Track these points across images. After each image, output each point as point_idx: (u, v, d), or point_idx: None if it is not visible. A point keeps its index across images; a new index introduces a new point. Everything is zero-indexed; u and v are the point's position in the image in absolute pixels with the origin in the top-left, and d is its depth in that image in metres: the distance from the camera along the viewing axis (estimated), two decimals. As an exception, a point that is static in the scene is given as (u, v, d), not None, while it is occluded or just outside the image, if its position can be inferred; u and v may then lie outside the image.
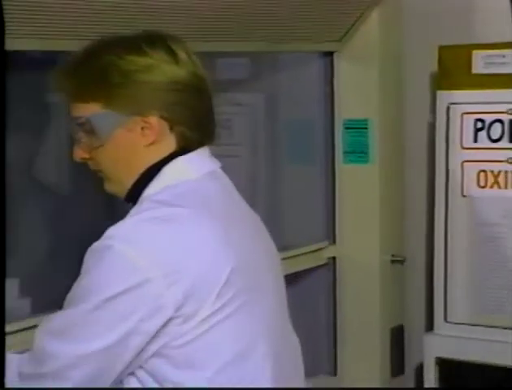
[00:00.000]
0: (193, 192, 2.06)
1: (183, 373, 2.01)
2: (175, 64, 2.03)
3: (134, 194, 2.07)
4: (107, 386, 2.08)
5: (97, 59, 2.06)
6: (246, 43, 2.81)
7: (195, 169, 2.09)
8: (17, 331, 2.38)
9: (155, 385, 2.05)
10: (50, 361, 1.98)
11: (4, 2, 1.91)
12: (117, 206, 2.66)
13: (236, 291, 1.99)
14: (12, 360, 2.10)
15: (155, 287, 1.92)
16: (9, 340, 2.25)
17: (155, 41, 2.06)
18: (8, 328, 2.26)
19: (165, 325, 1.94)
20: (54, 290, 2.50)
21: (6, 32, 1.93)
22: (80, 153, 2.08)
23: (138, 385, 2.05)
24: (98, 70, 2.05)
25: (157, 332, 1.94)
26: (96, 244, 1.95)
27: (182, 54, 2.04)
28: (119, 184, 2.10)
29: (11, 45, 1.95)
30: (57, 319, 2.00)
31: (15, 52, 2.32)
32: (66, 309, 2.00)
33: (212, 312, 1.96)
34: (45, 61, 2.35)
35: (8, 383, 2.02)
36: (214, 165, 2.15)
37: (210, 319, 1.96)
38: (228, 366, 2.02)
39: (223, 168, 2.15)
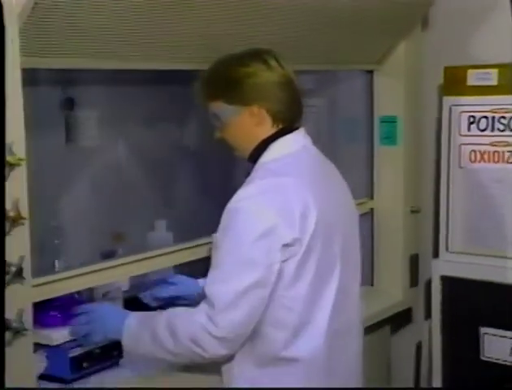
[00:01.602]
0: (291, 162, 2.10)
1: (287, 289, 2.01)
2: (268, 70, 2.09)
3: (253, 158, 2.12)
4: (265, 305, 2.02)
5: (218, 72, 2.15)
6: (316, 65, 2.83)
7: (292, 145, 2.14)
8: (164, 254, 2.39)
9: (271, 301, 2.01)
10: (218, 300, 1.95)
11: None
12: (234, 171, 2.78)
13: (321, 232, 2.03)
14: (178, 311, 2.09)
15: (279, 230, 1.96)
16: (158, 260, 2.37)
17: (254, 55, 2.11)
18: (158, 252, 2.38)
19: (289, 251, 1.98)
20: (187, 227, 2.60)
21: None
22: (216, 135, 2.17)
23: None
24: (219, 79, 2.14)
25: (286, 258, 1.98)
26: (231, 206, 2.00)
27: (273, 62, 2.10)
28: (242, 151, 2.16)
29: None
30: (215, 273, 2.01)
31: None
32: (220, 262, 2.00)
33: (306, 247, 2.00)
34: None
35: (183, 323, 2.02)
36: (306, 141, 2.19)
37: (305, 252, 2.01)
38: (310, 285, 2.03)
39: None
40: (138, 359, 2.16)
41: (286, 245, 1.98)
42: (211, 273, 2.02)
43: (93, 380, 2.28)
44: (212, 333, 1.95)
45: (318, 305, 2.07)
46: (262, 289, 1.98)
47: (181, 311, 2.08)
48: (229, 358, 2.08)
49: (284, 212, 2.00)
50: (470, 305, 3.00)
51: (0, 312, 1.64)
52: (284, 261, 1.99)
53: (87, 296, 2.54)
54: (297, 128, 2.18)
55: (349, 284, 2.17)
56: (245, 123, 2.12)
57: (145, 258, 2.33)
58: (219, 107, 2.13)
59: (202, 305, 1.99)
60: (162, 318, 2.06)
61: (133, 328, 2.10)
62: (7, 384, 1.75)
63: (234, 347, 2.02)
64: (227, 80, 2.13)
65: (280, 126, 2.14)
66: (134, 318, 2.12)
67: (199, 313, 1.98)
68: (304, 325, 2.05)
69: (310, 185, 2.07)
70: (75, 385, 2.24)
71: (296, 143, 2.16)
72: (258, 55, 2.13)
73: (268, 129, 2.13)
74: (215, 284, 1.99)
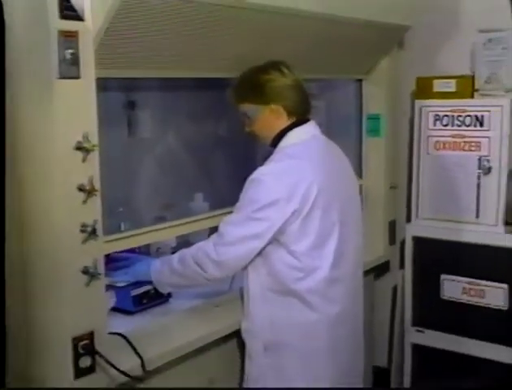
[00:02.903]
0: (303, 148, 2.12)
1: (294, 244, 2.05)
2: (282, 77, 2.10)
3: (274, 144, 2.14)
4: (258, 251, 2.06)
5: (244, 79, 2.16)
6: (318, 74, 2.80)
7: (304, 134, 2.16)
8: (201, 219, 2.41)
9: (284, 252, 2.07)
10: (225, 236, 2.04)
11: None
12: (254, 155, 2.76)
13: (321, 203, 2.05)
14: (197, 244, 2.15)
15: (282, 203, 2.00)
16: (196, 224, 2.38)
17: (272, 65, 2.13)
18: (197, 218, 2.39)
19: (286, 220, 2.01)
20: (218, 199, 2.58)
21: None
22: (245, 129, 2.19)
23: (280, 248, 2.08)
24: (246, 85, 2.15)
25: (282, 224, 2.01)
26: (253, 177, 2.03)
27: (285, 70, 2.11)
28: (265, 139, 2.18)
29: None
30: (231, 217, 2.07)
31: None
32: (237, 211, 2.06)
33: (307, 214, 2.02)
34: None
35: (197, 249, 2.11)
36: (316, 131, 2.20)
37: (306, 217, 2.03)
38: (313, 242, 2.07)
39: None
40: (166, 289, 2.26)
41: (286, 214, 2.02)
42: (230, 215, 2.08)
43: (150, 312, 2.31)
44: (213, 258, 2.05)
45: (321, 257, 2.09)
46: (257, 241, 2.04)
47: (193, 247, 2.16)
48: (249, 283, 2.14)
49: (291, 189, 2.02)
50: (434, 258, 3.01)
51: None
52: (285, 224, 2.02)
53: (144, 251, 2.58)
54: (308, 120, 2.19)
55: (348, 242, 2.18)
56: (267, 118, 2.14)
57: (187, 222, 2.34)
58: (247, 107, 2.15)
59: (212, 237, 2.09)
60: (176, 254, 2.18)
61: (157, 266, 2.21)
62: (86, 315, 1.79)
63: (226, 272, 2.12)
64: (251, 85, 2.14)
65: (294, 119, 2.15)
66: (158, 260, 2.24)
67: (207, 243, 2.09)
68: (309, 271, 2.08)
69: (315, 167, 2.08)
70: (137, 316, 2.26)
71: (307, 132, 2.17)
72: (274, 65, 2.14)
73: (285, 121, 2.15)
74: (228, 225, 2.06)
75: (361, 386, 2.38)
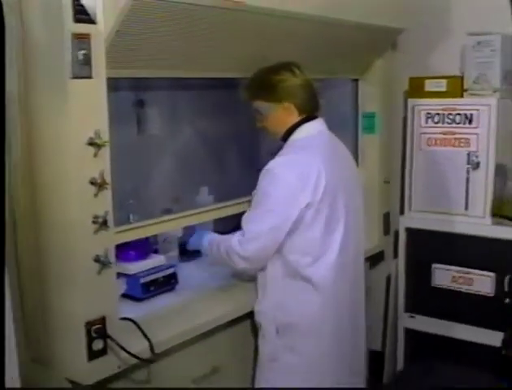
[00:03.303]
0: (310, 142, 2.13)
1: (306, 232, 2.06)
2: (294, 77, 2.11)
3: (284, 138, 2.15)
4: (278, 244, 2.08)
5: (258, 78, 2.17)
6: (318, 74, 2.68)
7: (312, 130, 2.17)
8: (206, 211, 2.40)
9: (296, 239, 2.08)
10: (247, 233, 2.05)
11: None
12: (258, 152, 2.75)
13: (329, 192, 2.06)
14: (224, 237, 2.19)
15: (296, 194, 2.01)
16: (201, 215, 2.36)
17: (284, 66, 2.13)
18: (202, 210, 2.37)
19: (301, 210, 2.02)
20: (222, 192, 2.56)
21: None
22: (258, 124, 2.20)
23: (293, 235, 2.07)
24: (259, 84, 2.16)
25: (298, 214, 2.02)
26: (266, 169, 2.05)
27: (297, 71, 2.12)
28: (276, 134, 2.19)
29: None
30: (251, 213, 2.08)
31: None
32: (254, 208, 2.07)
33: (318, 203, 2.03)
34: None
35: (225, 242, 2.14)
36: (323, 127, 2.22)
37: (318, 206, 2.04)
38: (323, 230, 2.08)
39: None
40: (214, 262, 2.31)
41: (301, 204, 2.03)
42: (248, 212, 2.10)
43: (158, 298, 2.32)
44: (240, 254, 2.08)
45: (329, 244, 2.11)
46: (277, 233, 2.05)
47: (226, 237, 2.18)
48: (264, 269, 2.16)
49: (303, 179, 2.04)
50: (425, 248, 3.01)
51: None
52: (300, 214, 2.03)
53: (153, 240, 2.58)
54: (316, 117, 2.20)
55: (351, 230, 2.19)
56: (280, 115, 2.15)
57: (193, 214, 2.35)
58: (260, 105, 2.17)
59: (237, 234, 2.10)
60: (218, 241, 2.20)
61: (206, 245, 2.26)
62: (98, 301, 1.79)
63: (252, 265, 2.13)
64: (265, 85, 2.15)
65: (304, 115, 2.16)
66: (207, 239, 2.27)
67: (234, 239, 2.10)
68: (319, 257, 2.10)
69: (322, 160, 2.09)
70: (145, 303, 2.27)
71: (314, 128, 2.19)
72: (286, 66, 2.15)
73: (295, 118, 2.16)
74: (248, 222, 2.07)
75: (363, 369, 2.40)
